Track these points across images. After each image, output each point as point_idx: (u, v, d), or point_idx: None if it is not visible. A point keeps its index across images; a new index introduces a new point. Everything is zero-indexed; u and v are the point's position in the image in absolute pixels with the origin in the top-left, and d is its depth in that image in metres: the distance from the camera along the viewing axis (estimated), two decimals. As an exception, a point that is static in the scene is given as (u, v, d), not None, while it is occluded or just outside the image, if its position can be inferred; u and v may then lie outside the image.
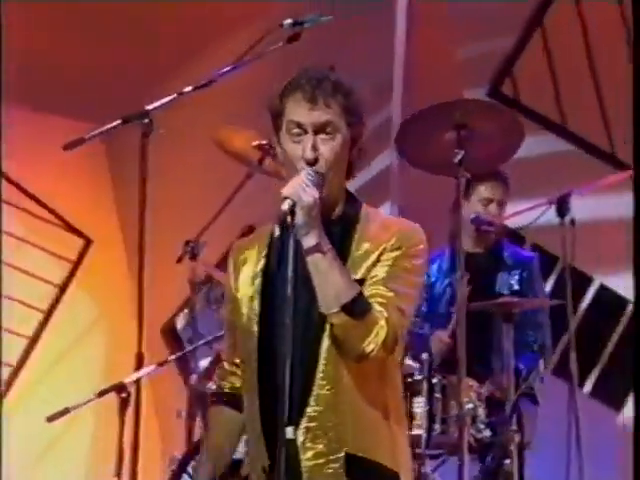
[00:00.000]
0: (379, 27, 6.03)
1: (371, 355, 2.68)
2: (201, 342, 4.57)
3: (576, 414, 4.58)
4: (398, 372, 2.85)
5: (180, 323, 5.94)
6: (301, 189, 2.68)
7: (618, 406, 5.66)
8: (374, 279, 2.74)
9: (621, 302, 5.67)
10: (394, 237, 2.78)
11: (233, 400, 2.93)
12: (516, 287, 4.62)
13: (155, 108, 3.61)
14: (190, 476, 4.27)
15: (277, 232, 2.71)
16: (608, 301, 5.72)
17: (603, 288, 5.74)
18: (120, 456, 3.44)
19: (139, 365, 3.49)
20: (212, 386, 4.09)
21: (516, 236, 5.28)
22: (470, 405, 4.04)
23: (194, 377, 4.60)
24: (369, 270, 2.75)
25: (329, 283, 2.69)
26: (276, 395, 2.66)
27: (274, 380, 2.71)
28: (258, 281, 2.85)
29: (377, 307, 2.70)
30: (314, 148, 2.75)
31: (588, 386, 5.69)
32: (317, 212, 2.68)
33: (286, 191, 2.68)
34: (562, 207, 4.52)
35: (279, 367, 2.67)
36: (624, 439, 5.37)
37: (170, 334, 6.49)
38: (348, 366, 2.73)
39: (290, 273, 2.65)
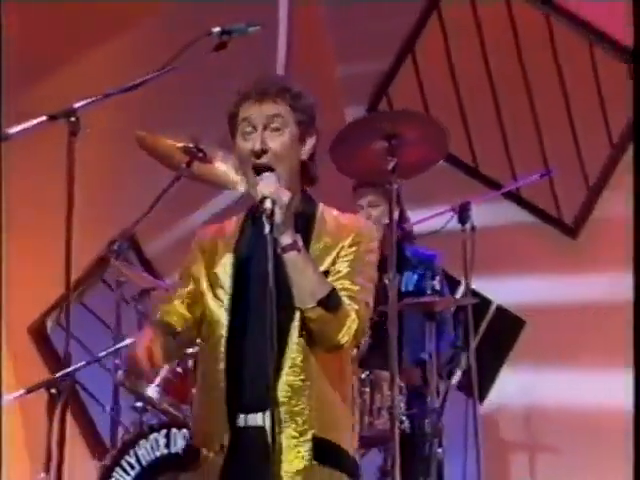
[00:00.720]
0: (261, 44, 6.19)
1: (345, 345, 2.81)
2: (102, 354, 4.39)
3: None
4: (350, 365, 2.96)
5: (50, 324, 5.90)
6: (279, 189, 2.77)
7: (481, 397, 5.81)
8: (339, 274, 2.85)
9: (484, 303, 5.95)
10: (352, 234, 2.89)
11: (177, 335, 2.96)
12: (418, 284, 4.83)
13: (82, 106, 3.58)
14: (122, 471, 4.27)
15: (267, 229, 2.76)
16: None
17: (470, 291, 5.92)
18: (48, 453, 3.38)
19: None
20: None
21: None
22: (400, 397, 4.23)
23: (120, 373, 4.55)
24: (331, 264, 2.86)
25: (305, 279, 2.77)
26: (242, 379, 2.80)
27: (241, 365, 2.83)
28: (229, 274, 2.91)
29: (346, 301, 2.81)
30: (262, 142, 2.83)
31: (455, 378, 5.80)
32: (291, 211, 2.78)
33: (266, 190, 2.76)
34: (463, 214, 4.70)
35: (248, 355, 2.81)
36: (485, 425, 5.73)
37: (38, 334, 6.37)
38: (313, 356, 2.83)
39: (270, 269, 2.70)
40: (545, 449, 5.92)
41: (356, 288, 2.84)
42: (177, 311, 2.96)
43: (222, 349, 2.86)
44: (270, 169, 2.84)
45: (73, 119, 3.58)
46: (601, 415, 5.78)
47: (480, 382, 5.90)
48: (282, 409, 2.81)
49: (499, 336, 5.99)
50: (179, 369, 4.27)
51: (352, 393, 3.02)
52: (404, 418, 4.41)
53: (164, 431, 4.18)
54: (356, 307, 2.82)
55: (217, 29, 3.86)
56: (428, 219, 5.04)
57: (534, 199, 6.04)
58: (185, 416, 4.21)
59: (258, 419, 2.82)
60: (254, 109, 2.87)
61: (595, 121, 6.03)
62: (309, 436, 2.83)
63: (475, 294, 5.93)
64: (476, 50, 6.08)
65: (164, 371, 4.23)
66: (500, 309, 6.05)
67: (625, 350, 5.59)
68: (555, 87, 6.06)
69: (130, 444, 4.19)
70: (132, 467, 4.20)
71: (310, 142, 2.90)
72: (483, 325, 6.03)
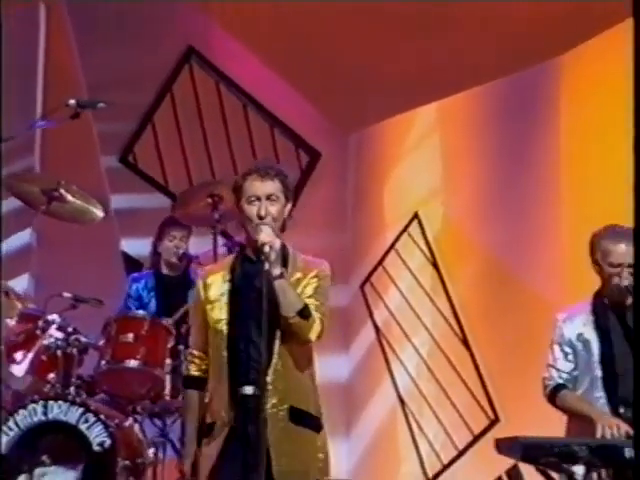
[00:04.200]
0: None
1: (313, 340, 3.68)
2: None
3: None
4: (314, 353, 3.79)
5: None
6: (275, 238, 3.62)
7: None
8: (306, 295, 3.68)
9: None
10: (315, 270, 3.74)
11: (199, 382, 3.75)
12: None
13: None
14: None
15: (267, 266, 3.56)
16: None
17: None
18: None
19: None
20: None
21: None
22: None
23: None
24: (302, 290, 3.68)
25: (288, 298, 3.61)
26: (239, 367, 3.60)
27: (239, 360, 3.62)
28: (226, 297, 3.69)
29: (314, 311, 3.66)
30: (265, 209, 3.67)
31: None
32: (279, 252, 3.64)
33: (265, 239, 3.59)
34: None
35: (242, 349, 3.60)
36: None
37: None
38: (291, 351, 3.64)
39: (265, 292, 3.51)
40: None
41: (318, 303, 3.66)
42: (201, 362, 3.73)
43: (225, 352, 3.63)
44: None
45: None
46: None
47: None
48: (270, 387, 3.57)
49: None
50: (44, 357, 4.90)
51: (315, 381, 3.76)
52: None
53: (42, 402, 4.67)
54: (319, 316, 3.67)
55: (72, 101, 4.61)
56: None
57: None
58: (55, 392, 4.80)
59: (249, 389, 3.56)
60: (258, 187, 3.66)
61: None
62: (286, 406, 3.60)
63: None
64: (197, 123, 7.11)
65: (31, 356, 4.82)
66: None
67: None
68: (249, 155, 7.03)
69: (11, 412, 4.68)
70: (11, 429, 4.66)
71: (288, 206, 3.75)
72: None
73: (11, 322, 4.91)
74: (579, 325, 4.37)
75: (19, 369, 4.84)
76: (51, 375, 4.88)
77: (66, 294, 5.03)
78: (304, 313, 3.61)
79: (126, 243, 6.53)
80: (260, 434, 3.49)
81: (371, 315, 7.19)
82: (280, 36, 6.82)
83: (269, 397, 3.58)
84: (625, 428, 4.06)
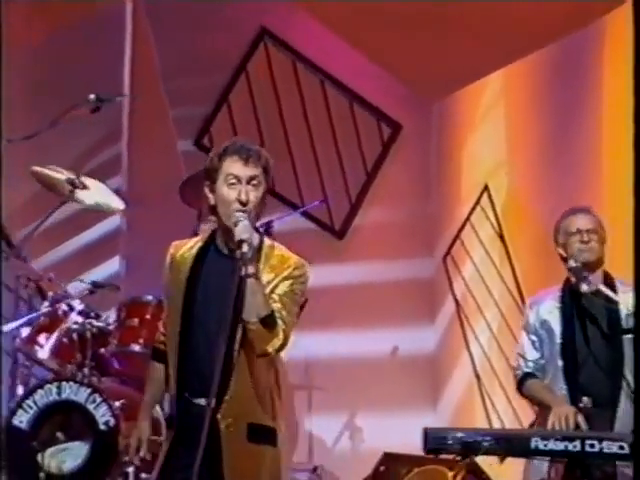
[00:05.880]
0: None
1: (269, 354, 3.17)
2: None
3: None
4: (281, 361, 3.46)
5: None
6: (253, 234, 3.13)
7: None
8: (274, 299, 3.16)
9: None
10: (289, 269, 3.22)
11: (163, 356, 3.35)
12: None
13: None
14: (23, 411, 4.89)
15: (242, 271, 3.06)
16: None
17: None
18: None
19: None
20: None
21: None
22: None
23: (18, 341, 5.14)
24: (270, 291, 3.18)
25: (255, 300, 3.08)
26: (188, 368, 3.16)
27: (190, 358, 3.17)
28: (183, 287, 3.23)
29: (278, 321, 3.13)
30: (246, 193, 3.19)
31: None
32: (256, 249, 3.15)
33: (244, 235, 3.09)
34: (267, 230, 5.76)
35: (195, 350, 3.14)
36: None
37: None
38: (251, 360, 3.16)
39: (234, 292, 3.03)
40: (317, 388, 6.73)
41: (284, 312, 3.14)
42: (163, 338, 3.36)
43: (176, 342, 3.22)
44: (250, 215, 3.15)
45: None
46: (355, 363, 6.65)
47: None
48: (224, 404, 3.12)
49: None
50: (65, 339, 5.10)
51: (278, 381, 3.29)
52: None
53: (56, 383, 4.89)
54: (283, 327, 3.15)
55: (92, 96, 4.70)
56: None
57: (315, 212, 6.92)
58: (71, 373, 5.02)
59: (202, 401, 3.13)
60: (240, 169, 3.18)
61: (356, 158, 7.06)
62: (244, 424, 3.17)
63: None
64: (273, 103, 7.01)
65: (54, 339, 5.03)
66: None
67: (362, 314, 6.60)
68: (329, 134, 7.02)
69: (30, 391, 4.92)
70: (31, 407, 4.89)
71: (266, 192, 3.27)
72: None
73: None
74: (544, 312, 4.07)
75: (43, 352, 5.06)
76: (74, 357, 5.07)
77: (85, 279, 5.19)
78: (267, 321, 3.11)
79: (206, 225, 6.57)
80: (205, 449, 3.01)
81: (451, 288, 6.97)
82: (356, 9, 6.65)
83: (224, 417, 3.15)
84: (574, 419, 3.73)
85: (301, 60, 7.07)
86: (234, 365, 3.14)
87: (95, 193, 5.21)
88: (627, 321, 3.83)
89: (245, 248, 3.07)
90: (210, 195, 3.25)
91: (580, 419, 3.78)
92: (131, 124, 6.90)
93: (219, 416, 3.14)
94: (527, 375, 4.07)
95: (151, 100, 6.82)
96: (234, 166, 3.20)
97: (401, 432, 6.34)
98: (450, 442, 3.50)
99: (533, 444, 3.49)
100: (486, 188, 6.62)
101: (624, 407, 3.76)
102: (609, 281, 4.04)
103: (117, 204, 5.34)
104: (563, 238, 4.06)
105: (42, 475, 4.79)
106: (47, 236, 6.19)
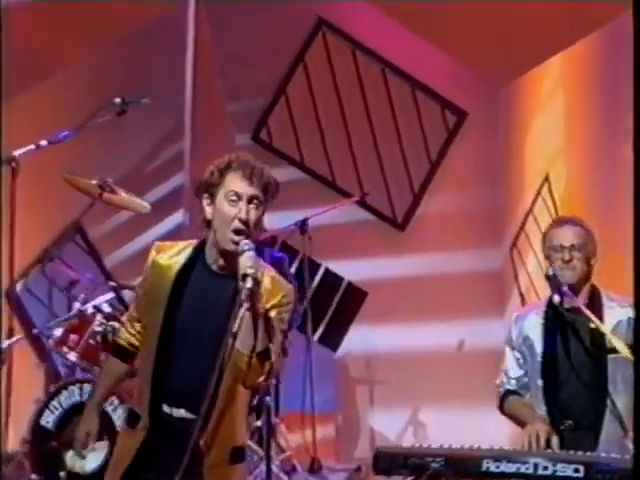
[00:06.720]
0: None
1: (256, 387, 3.06)
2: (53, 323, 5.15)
3: (310, 357, 5.69)
4: None
5: (19, 288, 6.07)
6: (258, 267, 2.96)
7: (335, 348, 6.75)
8: None
9: (338, 280, 6.74)
10: (278, 296, 3.06)
11: (123, 353, 3.24)
12: None
13: (20, 154, 4.40)
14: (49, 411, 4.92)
15: (245, 306, 2.89)
16: (330, 279, 6.73)
17: (327, 271, 6.71)
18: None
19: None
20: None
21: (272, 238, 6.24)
22: None
23: (51, 342, 5.13)
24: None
25: (252, 334, 2.93)
26: (167, 379, 3.04)
27: (170, 370, 3.04)
28: (166, 296, 3.06)
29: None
30: (246, 212, 3.04)
31: (317, 335, 6.68)
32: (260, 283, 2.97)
33: (249, 270, 2.91)
34: (302, 227, 5.65)
35: (180, 366, 3.01)
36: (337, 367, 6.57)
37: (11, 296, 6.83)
38: (233, 388, 3.04)
39: (236, 324, 2.89)
40: (379, 382, 6.63)
41: (272, 346, 2.99)
42: (132, 334, 3.21)
43: (154, 352, 3.06)
44: (247, 235, 3.01)
45: (14, 164, 4.40)
46: (418, 356, 6.54)
47: (335, 337, 6.79)
48: (212, 420, 3.00)
49: (348, 303, 6.73)
50: (92, 341, 5.13)
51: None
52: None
53: (78, 384, 4.90)
54: (272, 360, 3.00)
55: (118, 99, 4.71)
56: (280, 230, 5.90)
57: (375, 204, 6.82)
58: (94, 375, 4.99)
59: (182, 412, 3.03)
60: (242, 185, 3.04)
61: (419, 148, 6.84)
62: (229, 446, 3.08)
63: (331, 273, 6.83)
64: (332, 93, 6.87)
65: (82, 342, 5.07)
66: (349, 284, 6.75)
67: (425, 306, 6.42)
68: (390, 123, 6.83)
69: (55, 392, 4.95)
70: (56, 408, 4.92)
71: (264, 212, 3.12)
72: (337, 295, 6.77)
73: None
74: (528, 327, 3.80)
75: (73, 354, 5.12)
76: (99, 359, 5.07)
77: (111, 282, 5.21)
78: (262, 355, 2.97)
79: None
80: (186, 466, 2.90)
81: (517, 280, 6.65)
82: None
83: (207, 441, 3.02)
84: (545, 438, 3.46)
85: (361, 49, 6.87)
86: (220, 389, 3.01)
87: (124, 196, 5.30)
88: (611, 341, 3.51)
89: (249, 284, 2.90)
90: (207, 209, 3.11)
91: (554, 439, 3.52)
92: (193, 121, 6.89)
93: (202, 441, 3.03)
94: (508, 392, 3.82)
95: (211, 96, 6.81)
96: (236, 183, 3.06)
97: (466, 429, 6.23)
98: (401, 462, 3.32)
99: (484, 466, 3.27)
100: (547, 178, 6.27)
101: (608, 430, 3.49)
102: (596, 298, 3.73)
103: (144, 206, 5.39)
104: (546, 250, 3.78)
105: (63, 474, 4.84)
106: (113, 236, 6.34)
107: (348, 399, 6.75)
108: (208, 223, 3.12)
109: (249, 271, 2.92)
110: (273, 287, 3.08)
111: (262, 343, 2.97)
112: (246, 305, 2.89)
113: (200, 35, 6.83)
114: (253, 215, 3.05)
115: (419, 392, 6.52)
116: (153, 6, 6.49)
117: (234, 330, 2.88)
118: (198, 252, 3.15)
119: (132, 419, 3.16)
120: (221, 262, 3.10)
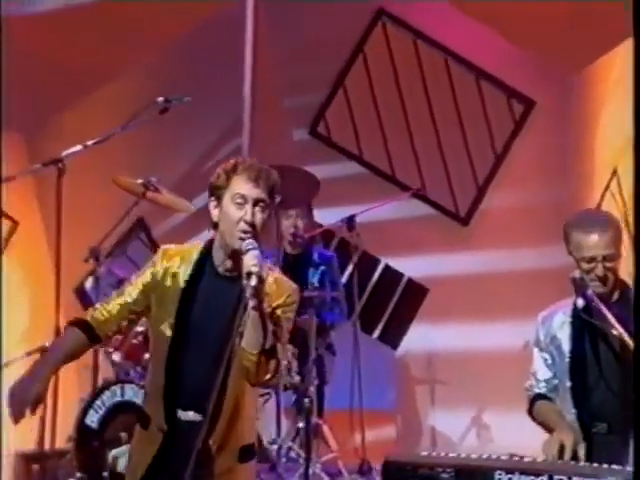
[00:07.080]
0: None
1: (265, 383, 3.07)
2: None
3: (358, 355, 5.55)
4: None
5: (88, 285, 6.39)
6: (262, 265, 2.96)
7: (395, 346, 6.61)
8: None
9: (398, 276, 6.59)
10: (283, 296, 3.11)
11: (90, 330, 3.17)
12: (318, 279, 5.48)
13: (67, 155, 4.42)
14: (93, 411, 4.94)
15: (251, 304, 2.91)
16: (390, 275, 6.62)
17: (387, 267, 6.60)
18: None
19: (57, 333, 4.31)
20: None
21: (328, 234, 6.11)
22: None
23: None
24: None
25: (259, 332, 2.97)
26: (179, 381, 3.07)
27: (182, 372, 3.07)
28: (176, 299, 3.09)
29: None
30: (252, 215, 3.07)
31: (376, 333, 6.57)
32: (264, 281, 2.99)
33: (254, 268, 2.92)
34: (350, 224, 5.48)
35: (187, 368, 3.04)
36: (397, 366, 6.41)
37: (81, 293, 6.94)
38: (242, 386, 3.08)
39: (238, 322, 2.92)
40: (441, 382, 6.48)
41: (277, 344, 3.03)
42: (111, 321, 3.16)
43: (165, 357, 3.10)
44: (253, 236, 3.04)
45: (60, 165, 4.42)
46: (480, 356, 6.36)
47: (395, 334, 6.64)
48: (221, 420, 3.05)
49: (408, 300, 6.59)
50: (135, 340, 5.09)
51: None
52: (294, 374, 5.08)
53: (119, 384, 4.92)
54: (279, 358, 3.03)
55: (160, 99, 4.67)
56: (328, 227, 5.74)
57: (437, 198, 6.63)
58: (136, 374, 5.05)
59: (189, 415, 3.08)
60: (248, 188, 3.07)
61: (484, 140, 6.62)
62: (238, 446, 3.12)
63: (391, 269, 6.67)
64: (391, 85, 6.68)
65: (127, 342, 5.04)
66: (410, 280, 6.61)
67: (488, 305, 6.18)
68: (453, 114, 6.63)
69: (99, 392, 4.97)
70: (100, 408, 4.95)
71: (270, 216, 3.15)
72: (397, 292, 6.63)
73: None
74: (555, 327, 3.59)
75: (117, 354, 5.09)
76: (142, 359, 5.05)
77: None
78: (269, 353, 3.00)
79: (318, 212, 6.37)
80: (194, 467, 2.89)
81: (584, 278, 6.35)
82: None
83: (216, 441, 3.06)
84: (571, 448, 3.26)
85: (422, 38, 6.65)
86: (227, 389, 3.06)
87: (168, 195, 5.28)
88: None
89: (254, 282, 2.92)
90: (214, 212, 3.14)
91: (581, 449, 3.31)
92: (252, 117, 6.80)
93: (211, 441, 3.08)
94: (537, 397, 3.61)
95: (269, 92, 6.72)
96: (243, 186, 3.10)
97: (528, 431, 5.99)
98: (410, 473, 3.16)
99: (496, 477, 3.07)
100: (615, 172, 5.95)
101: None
102: (625, 293, 3.49)
103: (188, 206, 5.36)
104: (575, 252, 3.51)
105: (106, 474, 4.81)
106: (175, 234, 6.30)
107: (408, 398, 6.62)
108: (215, 225, 3.15)
109: (253, 269, 2.94)
110: (277, 287, 3.11)
111: (268, 341, 2.99)
112: (251, 303, 2.92)
113: (258, 32, 6.73)
114: (259, 218, 3.09)
115: (481, 393, 6.34)
116: (212, 5, 6.43)
117: (239, 329, 2.92)
118: (205, 255, 3.18)
119: (144, 420, 3.20)
120: (228, 264, 3.14)
